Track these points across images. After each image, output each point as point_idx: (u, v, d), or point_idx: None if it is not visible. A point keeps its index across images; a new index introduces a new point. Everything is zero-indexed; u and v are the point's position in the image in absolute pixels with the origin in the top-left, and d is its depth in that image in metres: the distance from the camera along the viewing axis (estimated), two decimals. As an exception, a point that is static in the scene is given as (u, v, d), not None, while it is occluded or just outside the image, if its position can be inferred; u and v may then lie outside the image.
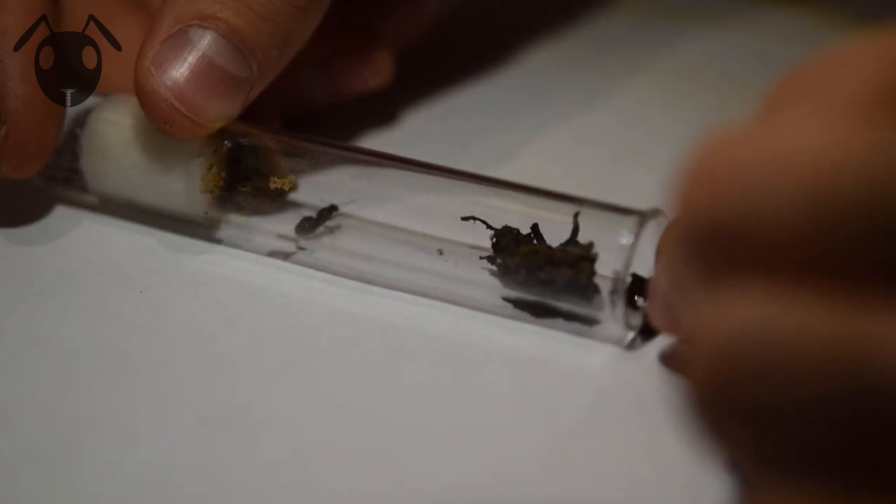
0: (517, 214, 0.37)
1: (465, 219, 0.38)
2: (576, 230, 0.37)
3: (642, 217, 0.36)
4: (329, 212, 0.39)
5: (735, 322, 0.25)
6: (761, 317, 0.25)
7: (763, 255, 0.25)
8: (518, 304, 0.38)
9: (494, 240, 0.38)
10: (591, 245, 0.36)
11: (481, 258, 0.38)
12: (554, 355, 0.37)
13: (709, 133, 0.27)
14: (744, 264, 0.25)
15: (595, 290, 0.36)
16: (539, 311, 0.38)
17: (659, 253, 0.36)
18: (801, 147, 0.25)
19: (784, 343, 0.25)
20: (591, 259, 0.36)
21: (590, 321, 0.37)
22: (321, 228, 0.39)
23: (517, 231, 0.37)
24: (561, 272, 0.37)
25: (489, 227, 0.38)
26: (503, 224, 0.38)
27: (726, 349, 0.25)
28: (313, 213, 0.40)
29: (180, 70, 0.39)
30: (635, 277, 0.37)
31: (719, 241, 0.26)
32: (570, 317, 0.37)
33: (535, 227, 0.37)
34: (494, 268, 0.38)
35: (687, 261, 0.27)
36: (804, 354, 0.25)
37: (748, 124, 0.26)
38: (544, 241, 0.37)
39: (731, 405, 0.25)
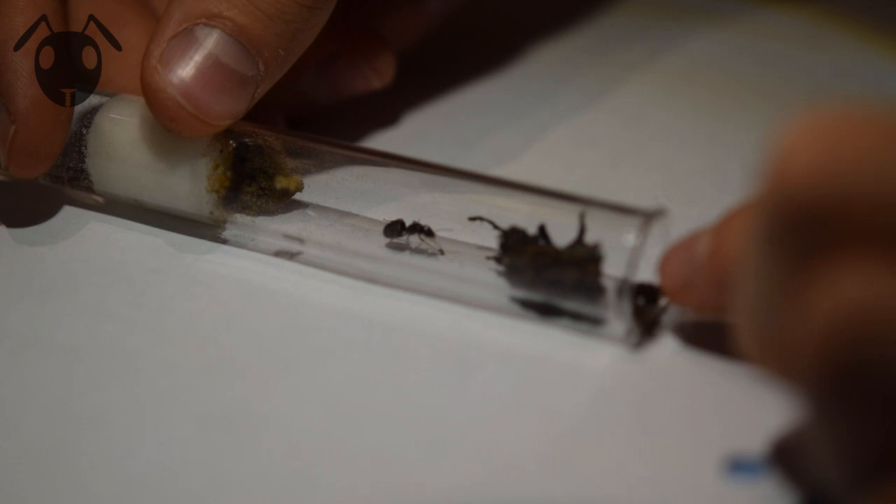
0: (522, 214, 0.37)
1: (472, 219, 0.37)
2: (583, 230, 0.36)
3: (647, 217, 0.35)
4: (419, 230, 0.38)
5: (856, 292, 0.24)
6: (883, 287, 0.24)
7: (877, 229, 0.24)
8: (525, 304, 0.37)
9: (502, 240, 0.37)
10: (597, 245, 0.36)
11: (488, 258, 0.37)
12: (556, 355, 0.36)
13: (804, 113, 0.25)
14: (856, 237, 0.25)
15: (601, 290, 0.36)
16: (546, 311, 0.37)
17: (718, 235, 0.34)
18: None
19: None
20: (598, 259, 0.36)
21: (596, 321, 0.36)
22: (405, 239, 0.38)
23: (524, 231, 0.37)
24: (568, 273, 0.36)
25: (496, 227, 0.37)
26: (510, 224, 0.37)
27: (851, 318, 0.24)
28: (407, 221, 0.39)
29: (187, 68, 0.38)
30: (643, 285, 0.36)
31: (827, 214, 0.25)
32: (576, 317, 0.37)
33: (542, 228, 0.37)
34: (501, 268, 0.37)
35: (782, 236, 0.26)
36: None
37: (849, 106, 0.26)
38: (551, 242, 0.36)
39: (858, 383, 0.25)
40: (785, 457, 0.31)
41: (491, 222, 0.37)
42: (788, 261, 0.26)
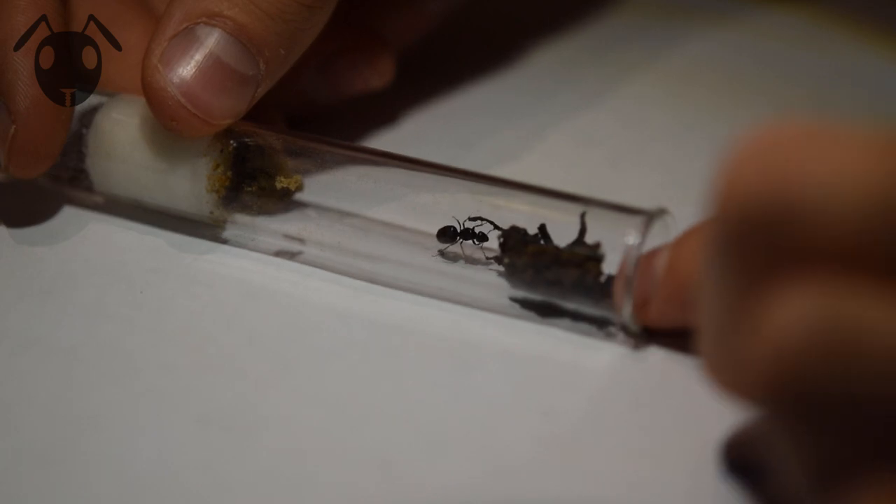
0: (522, 214, 0.37)
1: (472, 219, 0.37)
2: (583, 230, 0.36)
3: (648, 217, 0.35)
4: (472, 236, 0.38)
5: (803, 316, 0.24)
6: (829, 310, 0.24)
7: (823, 248, 0.24)
8: (525, 304, 0.37)
9: (502, 240, 0.37)
10: (598, 245, 0.35)
11: (488, 259, 0.37)
12: (556, 355, 0.36)
13: (753, 130, 0.25)
14: (802, 257, 0.24)
15: (602, 290, 0.35)
16: (546, 311, 0.37)
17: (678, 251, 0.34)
18: (867, 142, 0.24)
19: (855, 336, 0.24)
20: (598, 259, 0.35)
21: (597, 321, 0.36)
22: (459, 243, 0.38)
23: (525, 231, 0.37)
24: (568, 272, 0.36)
25: (496, 227, 0.37)
26: (510, 224, 0.37)
27: (798, 343, 0.24)
28: (457, 226, 0.38)
29: (188, 68, 0.38)
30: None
31: (774, 232, 0.24)
32: (577, 317, 0.36)
33: (542, 228, 0.36)
34: (501, 268, 0.37)
35: (731, 255, 0.25)
36: (877, 348, 0.24)
37: (796, 122, 0.25)
38: (551, 242, 0.36)
39: (803, 400, 0.24)
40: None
41: (491, 222, 0.37)
42: (738, 280, 0.25)
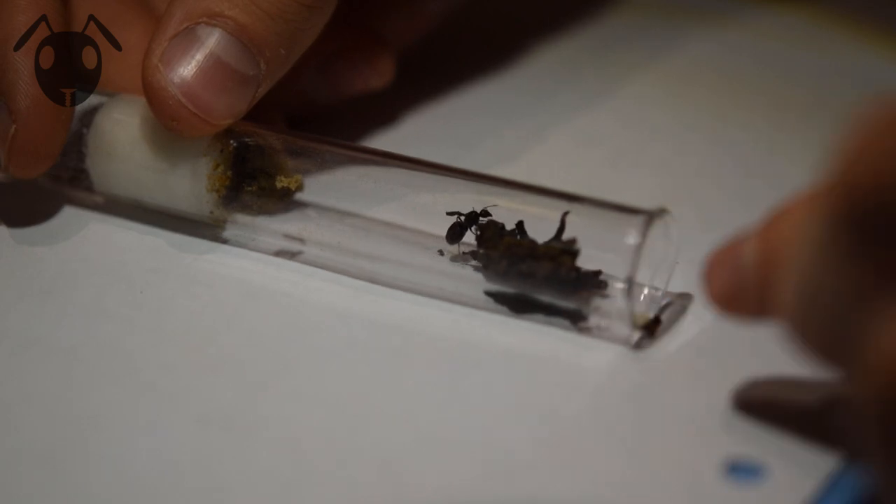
0: (523, 215, 0.37)
1: (450, 214, 0.37)
2: (561, 229, 0.36)
3: (648, 217, 0.35)
4: (477, 217, 0.37)
5: None
6: None
7: None
8: (499, 298, 0.37)
9: (478, 233, 0.37)
10: (573, 241, 0.35)
11: (464, 253, 0.37)
12: (556, 355, 0.36)
13: (884, 100, 0.22)
14: None
15: (574, 284, 0.35)
16: (520, 307, 0.37)
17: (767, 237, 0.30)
18: None
19: None
20: (573, 254, 0.35)
21: (570, 316, 0.36)
22: (469, 234, 0.38)
23: (502, 225, 0.37)
24: (542, 265, 0.36)
25: (474, 220, 0.37)
26: (488, 218, 0.37)
27: None
28: (459, 219, 0.38)
29: (188, 67, 0.38)
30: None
31: None
32: (550, 311, 0.36)
33: (519, 224, 0.37)
34: (477, 262, 0.37)
35: (850, 245, 0.22)
36: None
37: None
38: (527, 237, 0.36)
39: None
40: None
41: (468, 215, 0.37)
42: (857, 278, 0.23)
